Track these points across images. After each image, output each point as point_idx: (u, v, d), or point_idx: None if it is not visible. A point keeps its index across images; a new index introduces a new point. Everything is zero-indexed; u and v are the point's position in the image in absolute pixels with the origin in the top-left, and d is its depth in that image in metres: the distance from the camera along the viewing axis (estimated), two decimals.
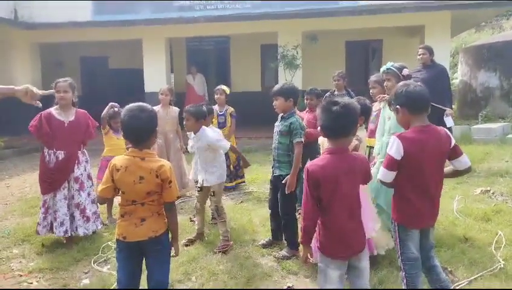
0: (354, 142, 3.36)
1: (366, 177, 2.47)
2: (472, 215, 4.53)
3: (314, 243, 2.55)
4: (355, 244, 2.42)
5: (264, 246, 3.99)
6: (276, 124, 3.90)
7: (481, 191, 5.44)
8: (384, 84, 3.77)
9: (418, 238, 2.62)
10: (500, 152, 7.60)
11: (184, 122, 4.02)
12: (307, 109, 5.17)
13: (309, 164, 2.41)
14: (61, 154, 4.08)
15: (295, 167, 3.66)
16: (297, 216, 4.27)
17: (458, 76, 12.90)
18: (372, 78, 4.22)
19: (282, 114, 3.82)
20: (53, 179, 4.09)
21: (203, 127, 4.03)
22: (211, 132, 4.09)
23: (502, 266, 3.39)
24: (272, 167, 3.95)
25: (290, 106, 3.75)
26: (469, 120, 10.67)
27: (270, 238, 4.05)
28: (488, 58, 11.21)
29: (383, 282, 3.21)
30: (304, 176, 2.38)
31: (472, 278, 3.24)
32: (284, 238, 3.94)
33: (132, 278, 2.57)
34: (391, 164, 2.51)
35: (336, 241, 2.38)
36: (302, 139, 3.68)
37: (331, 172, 2.31)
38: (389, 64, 3.74)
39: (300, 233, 2.47)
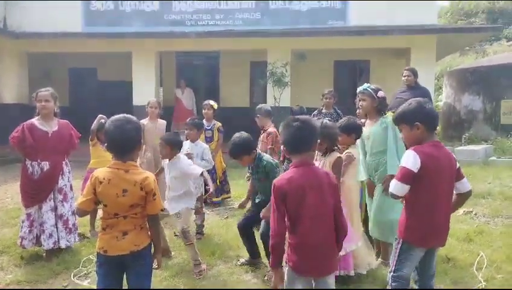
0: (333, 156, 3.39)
1: (334, 192, 2.43)
2: (455, 236, 4.57)
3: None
4: (323, 264, 2.38)
5: (242, 264, 3.95)
6: (249, 171, 3.92)
7: (464, 212, 5.51)
8: (360, 103, 3.86)
9: (418, 259, 2.61)
10: (483, 174, 7.73)
11: (159, 149, 4.00)
12: None
13: (276, 179, 2.44)
14: (46, 165, 4.03)
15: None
16: None
17: (442, 98, 13.16)
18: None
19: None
20: (38, 191, 4.02)
21: (178, 155, 3.97)
22: (184, 159, 4.02)
23: (484, 286, 3.42)
24: (255, 197, 3.88)
25: (252, 158, 3.69)
26: (452, 142, 10.84)
27: (249, 258, 3.98)
28: (472, 81, 11.47)
29: None
30: (272, 191, 2.39)
31: None
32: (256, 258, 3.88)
33: None
34: (407, 176, 2.50)
35: (303, 258, 2.37)
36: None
37: (297, 185, 2.33)
38: (365, 86, 3.84)
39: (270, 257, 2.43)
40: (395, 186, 2.55)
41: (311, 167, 2.44)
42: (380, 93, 3.75)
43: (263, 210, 3.57)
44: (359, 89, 3.87)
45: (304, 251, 2.36)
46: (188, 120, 5.10)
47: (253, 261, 3.95)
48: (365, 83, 3.93)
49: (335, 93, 6.52)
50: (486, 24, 19.29)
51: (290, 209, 2.34)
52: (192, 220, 4.80)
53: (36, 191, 4.03)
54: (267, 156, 3.77)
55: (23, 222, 4.07)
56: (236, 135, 3.74)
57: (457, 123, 11.70)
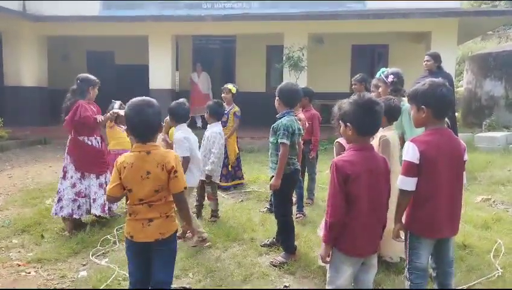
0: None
1: (388, 178, 2.44)
2: (472, 223, 4.52)
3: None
4: (373, 244, 2.43)
5: (265, 245, 3.96)
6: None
7: (482, 199, 5.43)
8: (379, 90, 3.93)
9: (430, 248, 2.56)
10: (502, 161, 7.58)
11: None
12: (301, 109, 5.10)
13: (337, 159, 2.40)
14: (99, 140, 4.51)
15: (279, 168, 3.52)
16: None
17: (463, 84, 12.89)
18: (373, 81, 4.29)
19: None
20: (105, 159, 4.51)
21: (180, 125, 4.07)
22: (180, 132, 4.01)
23: (500, 273, 3.38)
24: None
25: (281, 106, 3.70)
26: (473, 128, 10.65)
27: (274, 239, 3.98)
28: (494, 67, 11.18)
29: (379, 285, 3.20)
30: (332, 171, 2.36)
31: (470, 284, 3.23)
32: (279, 242, 3.84)
33: (143, 269, 2.54)
34: (409, 169, 2.44)
35: (357, 239, 2.36)
36: (285, 141, 3.51)
37: (359, 168, 2.31)
38: (380, 71, 3.93)
39: (322, 231, 2.46)
40: (401, 181, 2.48)
41: (372, 152, 2.42)
42: (390, 78, 3.81)
43: (271, 181, 3.60)
44: (378, 74, 3.97)
45: (354, 233, 2.35)
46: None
47: (277, 244, 3.92)
48: (382, 68, 3.97)
49: (365, 77, 6.16)
50: (511, 8, 18.64)
51: (350, 194, 2.32)
52: (207, 204, 4.86)
53: (104, 159, 4.52)
54: (289, 119, 3.61)
55: (59, 193, 4.33)
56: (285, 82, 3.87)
57: (477, 109, 11.47)
